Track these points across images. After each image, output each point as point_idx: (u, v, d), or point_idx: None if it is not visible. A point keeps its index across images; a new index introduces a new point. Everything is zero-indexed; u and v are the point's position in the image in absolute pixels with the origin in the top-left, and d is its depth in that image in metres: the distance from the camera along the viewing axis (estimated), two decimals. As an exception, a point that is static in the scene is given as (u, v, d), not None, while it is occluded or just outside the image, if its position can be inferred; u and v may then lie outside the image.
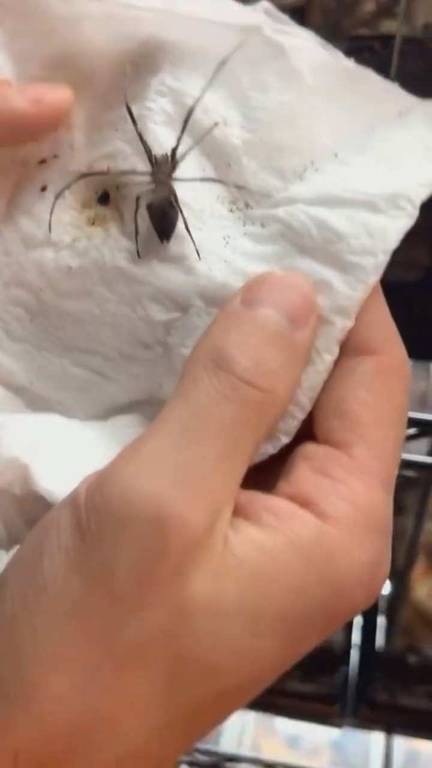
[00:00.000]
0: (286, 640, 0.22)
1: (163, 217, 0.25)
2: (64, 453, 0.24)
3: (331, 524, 0.22)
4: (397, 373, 0.23)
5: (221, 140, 0.25)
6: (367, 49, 0.47)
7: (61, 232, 0.27)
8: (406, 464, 0.52)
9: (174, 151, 0.25)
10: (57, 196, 0.27)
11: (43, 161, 0.27)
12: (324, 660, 0.71)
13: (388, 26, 0.51)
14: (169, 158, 0.25)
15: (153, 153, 0.25)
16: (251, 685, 0.22)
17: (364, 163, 0.25)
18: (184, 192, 0.25)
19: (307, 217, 0.23)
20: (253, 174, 0.25)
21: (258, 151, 0.25)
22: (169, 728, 0.22)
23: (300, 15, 0.52)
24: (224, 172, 0.26)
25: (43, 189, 0.27)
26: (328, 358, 0.23)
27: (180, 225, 0.25)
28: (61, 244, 0.27)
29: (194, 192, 0.25)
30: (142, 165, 0.26)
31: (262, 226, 0.24)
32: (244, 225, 0.25)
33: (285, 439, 0.23)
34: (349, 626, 0.72)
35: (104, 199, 0.27)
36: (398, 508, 0.82)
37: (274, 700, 0.72)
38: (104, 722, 0.21)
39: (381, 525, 0.22)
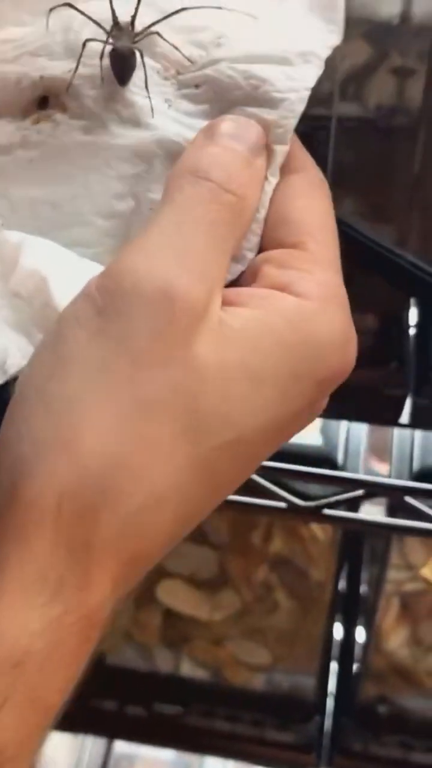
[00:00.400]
0: (282, 395, 0.25)
1: (124, 61, 0.29)
2: (76, 270, 0.27)
3: (307, 300, 0.26)
4: (322, 185, 0.28)
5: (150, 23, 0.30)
6: (324, 129, 0.50)
7: (9, 137, 0.30)
8: (367, 524, 0.54)
9: (133, 18, 0.29)
10: None
11: None
12: (300, 709, 0.73)
13: (345, 107, 0.54)
14: (130, 25, 0.29)
15: (116, 18, 0.29)
16: (259, 440, 0.25)
17: (272, 31, 0.29)
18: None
19: (233, 71, 0.28)
20: (179, 47, 0.30)
21: (178, 31, 0.30)
22: (190, 476, 0.24)
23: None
24: (154, 49, 0.30)
25: None
26: (273, 180, 0.27)
27: (135, 82, 0.29)
28: (13, 146, 0.30)
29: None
30: (72, 62, 0.29)
31: (196, 87, 0.29)
32: (179, 89, 0.29)
33: (250, 255, 0.27)
34: (324, 674, 0.74)
35: (43, 103, 0.30)
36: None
37: (252, 750, 0.74)
38: (133, 465, 0.24)
39: (344, 302, 0.27)
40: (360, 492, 0.50)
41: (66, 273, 0.27)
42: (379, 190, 0.49)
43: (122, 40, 0.29)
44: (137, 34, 0.29)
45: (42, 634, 0.23)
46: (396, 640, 0.71)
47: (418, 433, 0.59)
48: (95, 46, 0.29)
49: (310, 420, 0.28)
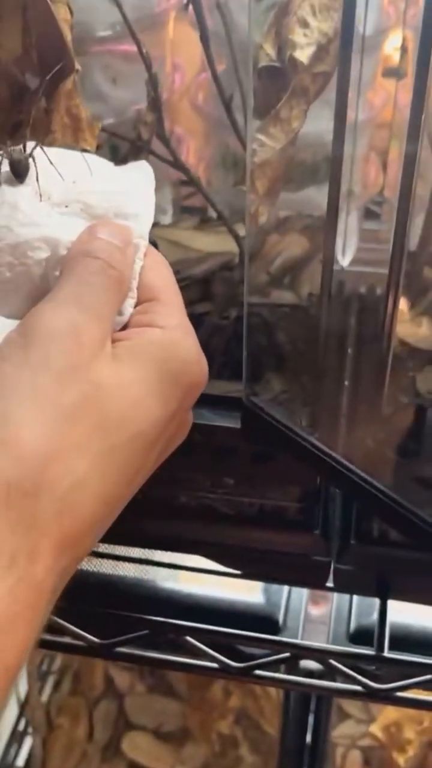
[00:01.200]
0: (162, 397, 0.34)
1: (19, 164, 0.39)
2: None
3: (168, 329, 0.36)
4: (164, 261, 0.39)
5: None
6: (257, 315, 0.55)
7: None
8: (297, 685, 0.56)
9: (24, 146, 0.40)
10: None
11: None
12: None
13: (277, 295, 0.59)
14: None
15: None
16: (154, 432, 0.34)
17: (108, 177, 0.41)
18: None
19: (95, 197, 0.38)
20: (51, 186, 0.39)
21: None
22: (104, 464, 0.32)
23: (206, 284, 0.62)
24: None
25: None
26: (139, 262, 0.37)
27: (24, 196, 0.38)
28: None
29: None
30: None
31: (66, 206, 0.38)
32: (52, 208, 0.38)
33: (130, 310, 0.36)
34: None
35: None
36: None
37: None
38: (61, 457, 0.31)
39: (193, 332, 0.37)
40: (287, 654, 0.52)
41: None
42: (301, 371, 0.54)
43: (17, 153, 0.40)
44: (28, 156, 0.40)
45: (0, 599, 0.28)
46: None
47: (356, 596, 0.61)
48: None
49: (184, 423, 0.38)
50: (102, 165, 0.42)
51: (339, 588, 0.53)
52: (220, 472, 0.53)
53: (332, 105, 0.50)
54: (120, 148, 0.58)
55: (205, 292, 0.60)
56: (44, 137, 0.44)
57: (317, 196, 0.63)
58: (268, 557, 0.55)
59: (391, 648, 0.53)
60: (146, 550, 0.65)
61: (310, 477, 0.52)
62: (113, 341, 0.34)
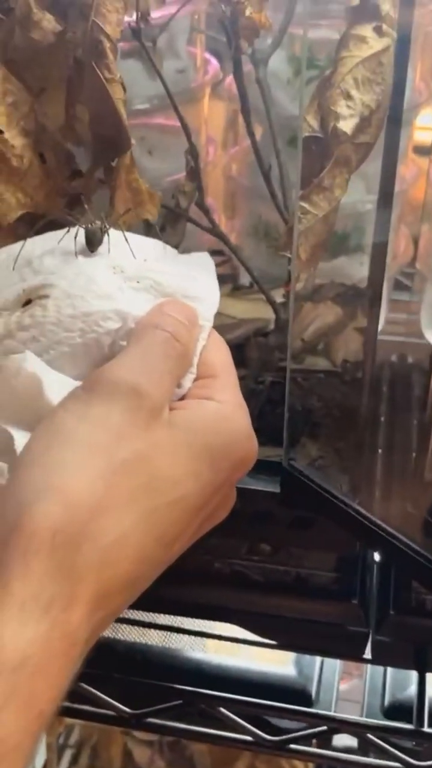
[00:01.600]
0: (212, 467, 0.35)
1: (94, 236, 0.42)
2: (63, 381, 0.37)
3: (224, 404, 0.37)
4: (223, 343, 0.40)
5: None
6: (292, 380, 0.56)
7: (3, 327, 0.39)
8: (333, 760, 0.54)
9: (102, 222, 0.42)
10: None
11: None
12: None
13: (312, 361, 0.60)
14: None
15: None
16: (198, 501, 0.34)
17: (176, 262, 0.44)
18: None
19: (166, 277, 0.40)
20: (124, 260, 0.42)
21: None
22: (147, 523, 0.32)
23: (240, 349, 0.62)
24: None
25: None
26: (202, 342, 0.39)
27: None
28: (11, 331, 0.38)
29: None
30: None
31: (137, 282, 0.40)
32: (125, 282, 0.40)
33: (188, 385, 0.37)
34: None
35: (27, 303, 0.40)
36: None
37: None
38: (107, 509, 0.31)
39: (247, 410, 0.38)
40: (324, 728, 0.51)
41: (55, 380, 0.37)
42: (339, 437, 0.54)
43: (92, 226, 0.42)
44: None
45: (34, 643, 0.28)
46: None
47: (390, 669, 0.60)
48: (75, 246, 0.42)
49: (228, 499, 0.38)
50: (168, 248, 0.45)
51: (376, 660, 0.52)
52: (256, 538, 0.53)
53: (363, 175, 0.51)
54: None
55: (239, 357, 0.60)
56: (107, 211, 0.45)
57: (347, 265, 0.65)
58: (303, 627, 0.54)
59: (431, 723, 0.52)
60: (173, 616, 0.64)
61: (348, 545, 0.51)
62: (170, 409, 0.35)
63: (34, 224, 0.50)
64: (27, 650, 0.28)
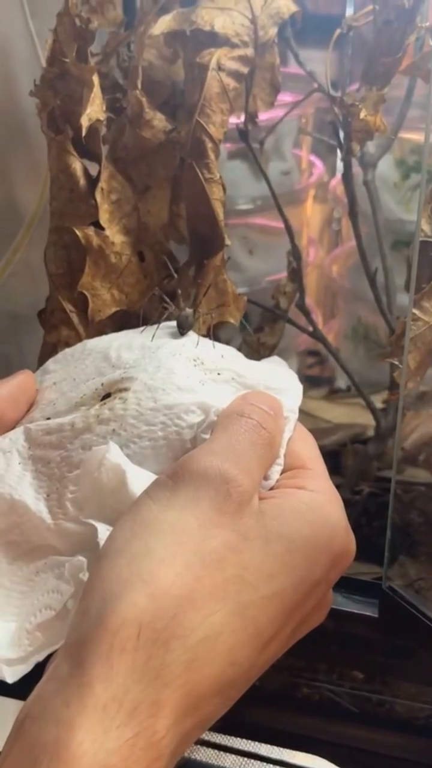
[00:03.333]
0: (308, 560, 0.32)
1: (186, 320, 0.42)
2: (143, 472, 0.35)
3: (318, 494, 0.34)
4: (309, 435, 0.38)
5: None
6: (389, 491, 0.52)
7: (83, 420, 0.38)
8: None
9: (194, 309, 0.44)
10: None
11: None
12: None
13: (412, 472, 0.57)
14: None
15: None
16: (295, 598, 0.31)
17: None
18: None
19: (247, 369, 0.40)
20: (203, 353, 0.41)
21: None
22: (239, 619, 0.29)
23: (335, 456, 0.60)
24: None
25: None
26: (288, 433, 0.37)
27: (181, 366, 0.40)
28: (91, 425, 0.37)
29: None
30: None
31: (218, 374, 0.39)
32: (205, 374, 0.39)
33: (275, 476, 0.35)
34: None
35: (106, 397, 0.39)
36: None
37: None
38: (196, 603, 0.29)
39: (341, 502, 0.35)
40: None
41: (138, 473, 0.35)
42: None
43: (185, 312, 0.43)
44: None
45: (116, 754, 0.26)
46: None
47: None
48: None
49: (325, 601, 0.35)
50: (240, 353, 0.44)
51: None
52: (349, 664, 0.49)
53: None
54: (251, 318, 0.58)
55: (334, 465, 0.57)
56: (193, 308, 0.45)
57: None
58: (394, 764, 0.49)
59: None
60: (252, 742, 0.60)
61: (449, 677, 0.47)
62: (260, 498, 0.33)
63: (122, 321, 0.49)
64: (107, 762, 0.25)
